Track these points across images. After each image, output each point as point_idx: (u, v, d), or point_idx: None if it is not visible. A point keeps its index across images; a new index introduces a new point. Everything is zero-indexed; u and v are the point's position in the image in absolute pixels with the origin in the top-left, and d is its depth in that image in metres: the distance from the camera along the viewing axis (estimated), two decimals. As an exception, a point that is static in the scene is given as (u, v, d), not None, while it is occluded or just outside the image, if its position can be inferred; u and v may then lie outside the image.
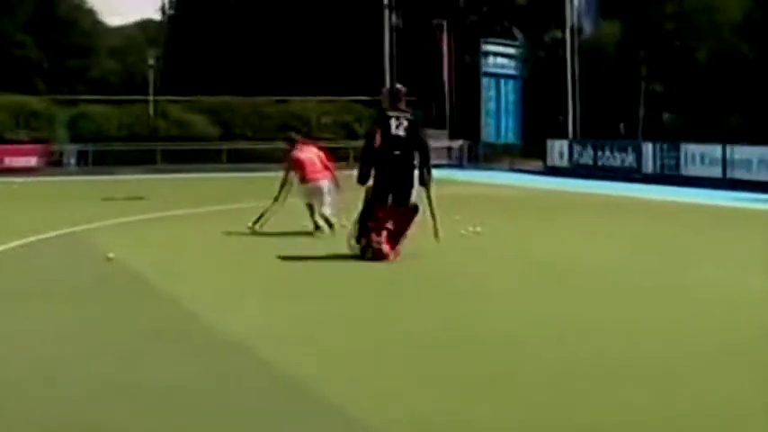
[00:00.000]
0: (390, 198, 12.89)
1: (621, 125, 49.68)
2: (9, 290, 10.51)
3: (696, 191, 26.58)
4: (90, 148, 40.71)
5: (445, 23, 46.17)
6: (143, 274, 11.51)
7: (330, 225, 15.45)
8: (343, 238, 13.48)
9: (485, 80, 43.33)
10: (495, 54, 44.00)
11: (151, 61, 46.90)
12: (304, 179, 16.10)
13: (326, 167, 16.69)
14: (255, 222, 15.97)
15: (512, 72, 44.57)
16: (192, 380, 6.74)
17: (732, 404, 6.20)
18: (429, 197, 13.11)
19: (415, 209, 13.00)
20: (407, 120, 13.06)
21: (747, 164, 29.10)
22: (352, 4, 55.26)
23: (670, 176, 31.31)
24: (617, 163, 34.87)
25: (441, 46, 45.44)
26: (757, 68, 46.14)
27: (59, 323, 8.73)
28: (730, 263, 12.53)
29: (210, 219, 18.02)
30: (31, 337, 8.27)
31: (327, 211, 15.78)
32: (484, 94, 43.36)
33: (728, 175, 29.52)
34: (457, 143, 44.96)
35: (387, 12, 45.56)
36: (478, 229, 15.43)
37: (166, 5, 68.32)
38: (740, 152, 29.85)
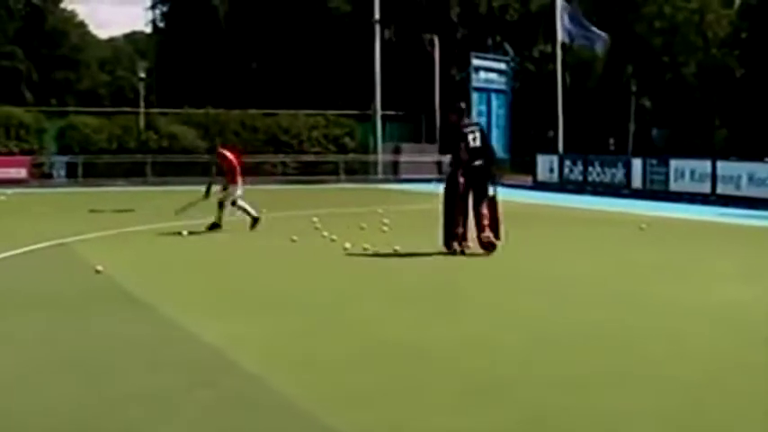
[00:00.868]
0: (471, 199, 14.63)
1: (611, 140, 49.82)
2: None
3: (685, 206, 26.65)
4: (79, 159, 40.62)
5: (437, 38, 46.26)
6: (128, 287, 11.49)
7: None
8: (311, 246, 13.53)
9: (474, 95, 43.39)
10: (485, 69, 44.08)
11: (141, 74, 46.86)
12: (234, 180, 18.42)
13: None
14: (181, 210, 18.98)
15: (501, 87, 44.64)
16: (175, 389, 6.76)
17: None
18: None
19: (494, 197, 14.74)
20: (479, 130, 15.08)
21: (736, 179, 29.18)
22: (342, 19, 55.42)
23: (659, 192, 31.39)
24: (606, 178, 34.90)
25: (433, 60, 45.50)
26: (745, 84, 46.40)
27: (45, 334, 8.72)
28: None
29: (199, 230, 18.02)
30: (15, 346, 8.26)
31: (247, 206, 18.43)
32: (473, 108, 43.41)
33: (717, 190, 29.59)
34: (447, 158, 44.93)
35: (377, 26, 45.60)
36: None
37: (156, 18, 68.38)
38: (729, 168, 29.94)
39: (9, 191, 32.66)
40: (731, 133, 47.93)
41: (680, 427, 6.06)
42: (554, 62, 43.79)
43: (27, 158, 40.39)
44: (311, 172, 43.22)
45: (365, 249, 14.77)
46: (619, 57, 51.51)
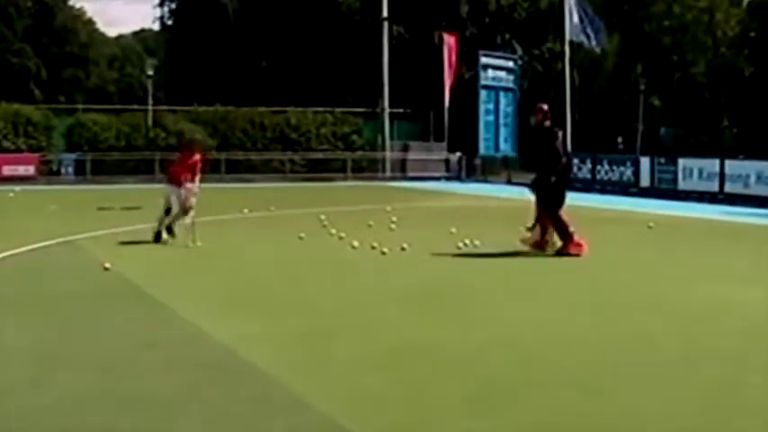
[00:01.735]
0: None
1: (620, 139, 49.74)
2: (4, 298, 10.50)
3: (693, 205, 26.60)
4: (88, 157, 40.69)
5: (447, 35, 46.23)
6: (137, 284, 11.50)
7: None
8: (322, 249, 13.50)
9: (483, 93, 43.37)
10: (493, 67, 44.06)
11: (149, 71, 46.93)
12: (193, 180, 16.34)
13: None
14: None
15: (510, 85, 44.63)
16: (188, 388, 6.76)
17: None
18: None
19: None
20: (561, 131, 14.82)
21: (744, 178, 29.13)
22: (351, 16, 55.39)
23: (667, 190, 31.35)
24: (615, 177, 34.87)
25: (444, 57, 45.45)
26: (754, 83, 46.29)
27: (54, 332, 8.73)
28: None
29: (207, 229, 17.98)
30: (25, 344, 8.25)
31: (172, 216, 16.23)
32: (482, 106, 43.38)
33: (726, 189, 29.55)
34: (455, 156, 44.99)
35: (385, 24, 45.57)
36: (477, 242, 15.40)
37: (165, 16, 68.44)
38: (737, 167, 29.89)
39: (17, 188, 32.75)
40: (740, 132, 47.83)
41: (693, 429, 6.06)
42: (562, 60, 43.74)
43: (35, 156, 40.47)
44: (319, 169, 43.25)
45: (373, 248, 14.75)
46: (628, 56, 51.45)
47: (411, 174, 44.07)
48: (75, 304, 10.22)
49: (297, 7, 55.83)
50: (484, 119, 43.43)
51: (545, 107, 14.84)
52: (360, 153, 45.27)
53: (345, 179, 41.87)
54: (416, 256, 14.22)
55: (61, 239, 16.05)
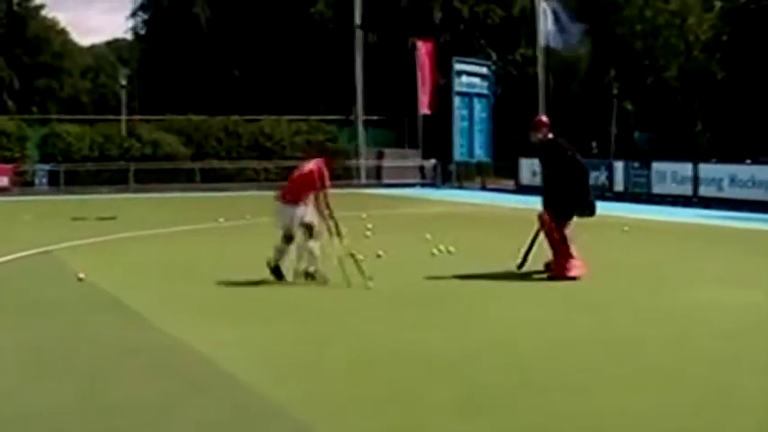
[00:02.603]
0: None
1: (594, 143, 49.89)
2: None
3: (667, 209, 26.72)
4: (61, 167, 40.49)
5: (421, 42, 46.27)
6: (114, 294, 11.45)
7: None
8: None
9: (457, 99, 43.45)
10: (467, 73, 44.14)
11: (123, 81, 46.74)
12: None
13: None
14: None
15: (483, 91, 44.73)
16: (164, 397, 6.74)
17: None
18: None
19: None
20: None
21: (718, 182, 29.31)
22: (325, 24, 55.41)
23: (641, 194, 31.48)
24: (589, 181, 34.91)
25: (418, 64, 45.46)
26: (726, 87, 46.55)
27: (34, 341, 8.69)
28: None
29: (183, 238, 17.96)
30: (5, 354, 8.22)
31: None
32: (456, 113, 43.47)
33: (699, 192, 29.71)
34: (430, 162, 45.05)
35: (358, 31, 45.60)
36: (451, 248, 15.41)
37: (138, 26, 68.26)
38: (711, 170, 30.06)
39: (-9, 199, 32.55)
40: (713, 136, 48.10)
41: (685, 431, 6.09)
42: (536, 66, 43.91)
43: (9, 167, 40.23)
44: (294, 178, 43.05)
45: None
46: (601, 60, 51.65)
47: (386, 180, 44.07)
48: (53, 314, 10.17)
49: (269, 16, 55.81)
50: (458, 125, 43.51)
51: (545, 119, 13.92)
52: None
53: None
54: (393, 262, 14.22)
55: (37, 250, 15.94)
